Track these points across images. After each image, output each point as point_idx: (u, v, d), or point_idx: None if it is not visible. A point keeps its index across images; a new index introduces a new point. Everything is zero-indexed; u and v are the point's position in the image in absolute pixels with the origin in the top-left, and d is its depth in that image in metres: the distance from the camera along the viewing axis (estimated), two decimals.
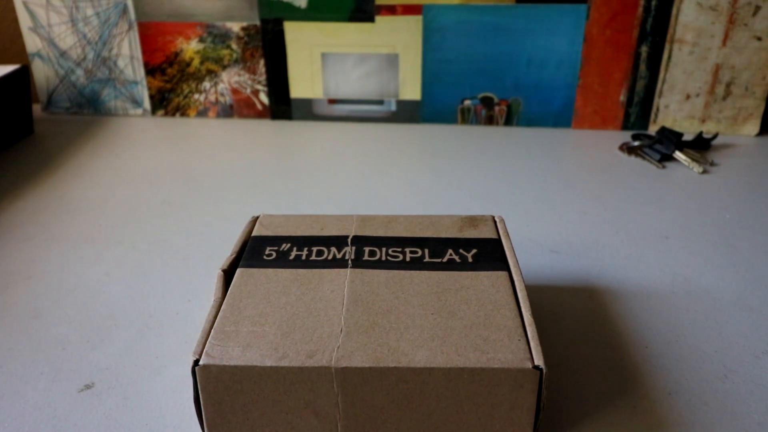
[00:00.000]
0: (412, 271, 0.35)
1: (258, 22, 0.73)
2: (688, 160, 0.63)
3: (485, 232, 0.39)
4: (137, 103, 0.78)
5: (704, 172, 0.62)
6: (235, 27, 0.73)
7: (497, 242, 0.38)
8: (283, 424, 0.30)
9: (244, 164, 0.65)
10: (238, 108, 0.77)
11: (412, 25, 0.71)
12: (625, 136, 0.71)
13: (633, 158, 0.66)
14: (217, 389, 0.29)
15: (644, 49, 0.69)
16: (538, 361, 0.29)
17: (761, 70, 0.68)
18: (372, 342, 0.30)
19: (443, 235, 0.38)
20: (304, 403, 0.29)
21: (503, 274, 0.35)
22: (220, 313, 0.32)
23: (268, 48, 0.74)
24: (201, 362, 0.29)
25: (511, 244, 0.37)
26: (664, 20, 0.67)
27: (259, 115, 0.77)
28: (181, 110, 0.78)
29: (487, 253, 0.37)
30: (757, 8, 0.65)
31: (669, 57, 0.69)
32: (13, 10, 0.80)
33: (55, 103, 0.79)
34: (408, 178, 0.62)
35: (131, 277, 0.46)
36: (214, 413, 0.30)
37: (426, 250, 0.37)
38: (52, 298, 0.44)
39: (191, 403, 0.35)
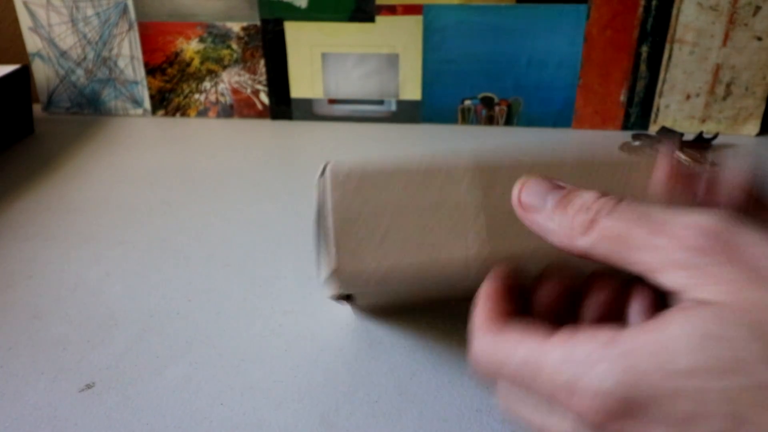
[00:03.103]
0: None
1: (258, 22, 0.73)
2: (689, 160, 0.63)
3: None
4: (137, 103, 0.78)
5: None
6: (236, 27, 0.73)
7: None
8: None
9: (244, 164, 0.65)
10: (239, 108, 0.77)
11: (413, 25, 0.71)
12: (626, 136, 0.71)
13: None
14: (346, 192, 0.30)
15: (644, 49, 0.69)
16: None
17: (761, 70, 0.68)
18: None
19: None
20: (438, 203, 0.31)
21: None
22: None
23: (269, 48, 0.74)
24: (330, 165, 0.30)
25: None
26: (664, 20, 0.67)
27: (260, 115, 0.77)
28: (182, 110, 0.78)
29: None
30: (758, 8, 0.65)
31: (669, 57, 0.69)
32: (13, 10, 0.80)
33: (56, 103, 0.79)
34: None
35: (132, 277, 0.46)
36: (343, 220, 0.30)
37: None
38: (52, 298, 0.44)
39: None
